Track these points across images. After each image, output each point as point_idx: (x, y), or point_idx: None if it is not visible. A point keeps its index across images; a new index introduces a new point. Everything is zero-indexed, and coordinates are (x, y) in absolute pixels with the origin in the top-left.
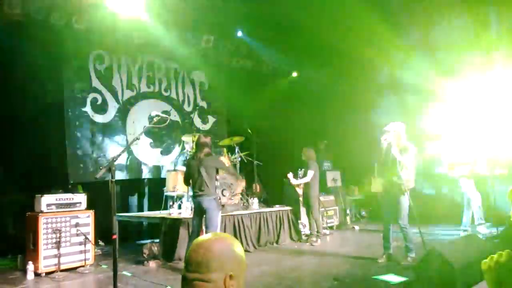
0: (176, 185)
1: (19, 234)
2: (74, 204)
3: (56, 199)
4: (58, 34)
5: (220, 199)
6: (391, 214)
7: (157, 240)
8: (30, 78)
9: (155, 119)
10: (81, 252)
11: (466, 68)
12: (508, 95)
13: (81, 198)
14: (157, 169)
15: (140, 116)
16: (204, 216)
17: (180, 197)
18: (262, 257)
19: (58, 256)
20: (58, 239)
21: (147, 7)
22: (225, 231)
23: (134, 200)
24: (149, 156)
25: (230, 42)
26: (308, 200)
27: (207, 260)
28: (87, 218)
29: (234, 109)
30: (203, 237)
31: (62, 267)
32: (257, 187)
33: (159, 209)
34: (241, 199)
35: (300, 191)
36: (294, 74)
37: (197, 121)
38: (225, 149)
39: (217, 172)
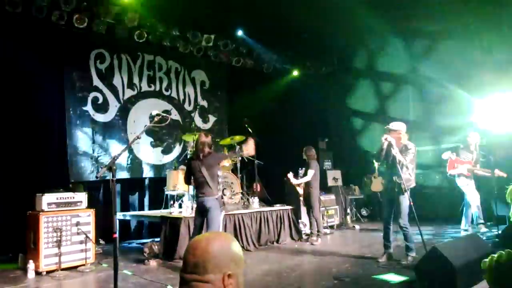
0: (176, 184)
1: (20, 233)
2: (74, 203)
3: (57, 198)
4: (59, 33)
5: (222, 198)
6: (391, 213)
7: (158, 239)
8: (30, 77)
9: (156, 118)
10: (81, 251)
11: None
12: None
13: (81, 197)
14: (158, 168)
15: (141, 115)
16: (206, 215)
17: (180, 196)
18: (263, 257)
19: (59, 255)
20: (58, 238)
21: (148, 6)
22: (225, 231)
23: (134, 199)
24: (149, 155)
25: (231, 41)
26: (308, 199)
27: (204, 261)
28: (88, 217)
29: (235, 108)
30: (199, 237)
31: (63, 266)
32: (257, 186)
33: (159, 208)
34: (241, 198)
35: (300, 190)
36: (295, 73)
37: (198, 120)
38: (225, 148)
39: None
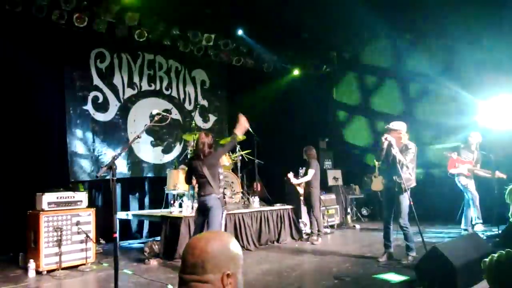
0: (177, 184)
1: (20, 232)
2: (75, 203)
3: (57, 198)
4: (59, 32)
5: (224, 197)
6: (391, 213)
7: (158, 239)
8: (30, 76)
9: (156, 118)
10: (82, 250)
11: None
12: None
13: (82, 196)
14: (158, 167)
15: (141, 115)
16: (208, 215)
17: (181, 196)
18: (263, 256)
19: (59, 254)
20: (59, 237)
21: (148, 5)
22: (225, 230)
23: (135, 198)
24: (150, 154)
25: (231, 41)
26: (309, 199)
27: (203, 261)
28: (88, 216)
29: (235, 108)
30: (198, 237)
31: (63, 265)
32: (258, 186)
33: (160, 207)
34: (242, 197)
35: (301, 190)
36: (296, 73)
37: (198, 120)
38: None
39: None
